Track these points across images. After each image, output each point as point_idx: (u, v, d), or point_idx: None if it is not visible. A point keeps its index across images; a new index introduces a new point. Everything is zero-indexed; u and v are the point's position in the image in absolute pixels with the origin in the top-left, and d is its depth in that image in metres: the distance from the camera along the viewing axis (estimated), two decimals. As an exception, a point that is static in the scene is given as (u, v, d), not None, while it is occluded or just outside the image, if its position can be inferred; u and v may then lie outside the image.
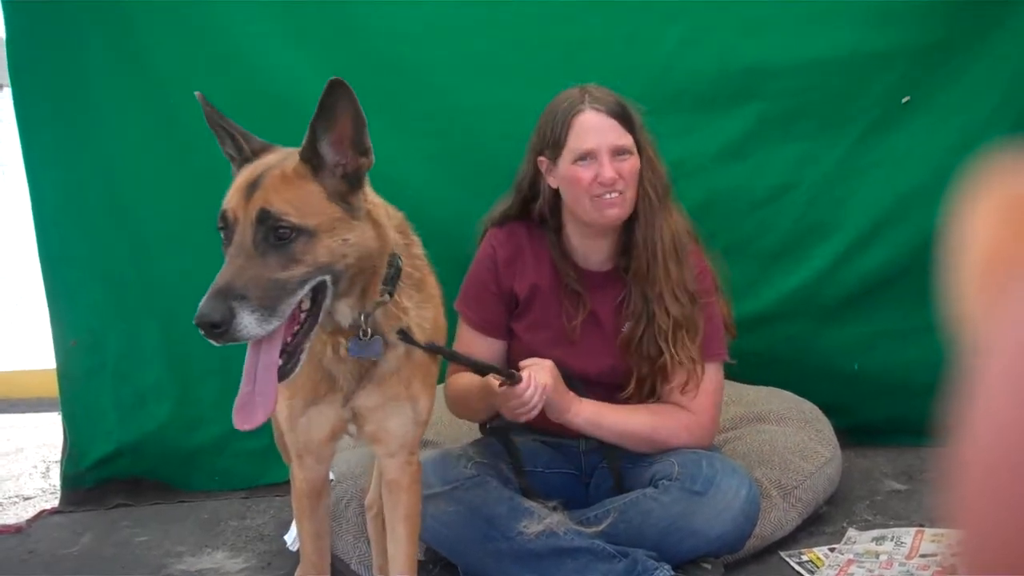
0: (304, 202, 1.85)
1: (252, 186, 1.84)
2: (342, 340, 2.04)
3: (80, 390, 3.80)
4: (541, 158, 2.71)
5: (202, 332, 1.71)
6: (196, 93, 1.91)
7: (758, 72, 3.53)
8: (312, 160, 1.90)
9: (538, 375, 2.52)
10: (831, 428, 3.35)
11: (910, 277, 3.58)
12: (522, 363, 2.61)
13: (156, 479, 3.85)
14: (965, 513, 0.42)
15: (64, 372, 3.79)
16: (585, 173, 2.60)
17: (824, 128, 3.56)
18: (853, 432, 3.65)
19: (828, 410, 3.44)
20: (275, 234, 1.81)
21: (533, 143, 2.73)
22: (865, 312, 3.65)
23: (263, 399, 1.83)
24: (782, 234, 3.65)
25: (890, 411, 3.72)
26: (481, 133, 3.60)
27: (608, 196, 2.61)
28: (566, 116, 2.64)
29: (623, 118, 2.65)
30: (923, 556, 2.83)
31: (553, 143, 2.66)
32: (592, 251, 2.79)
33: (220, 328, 1.70)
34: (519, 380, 2.48)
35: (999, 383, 0.41)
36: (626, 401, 2.76)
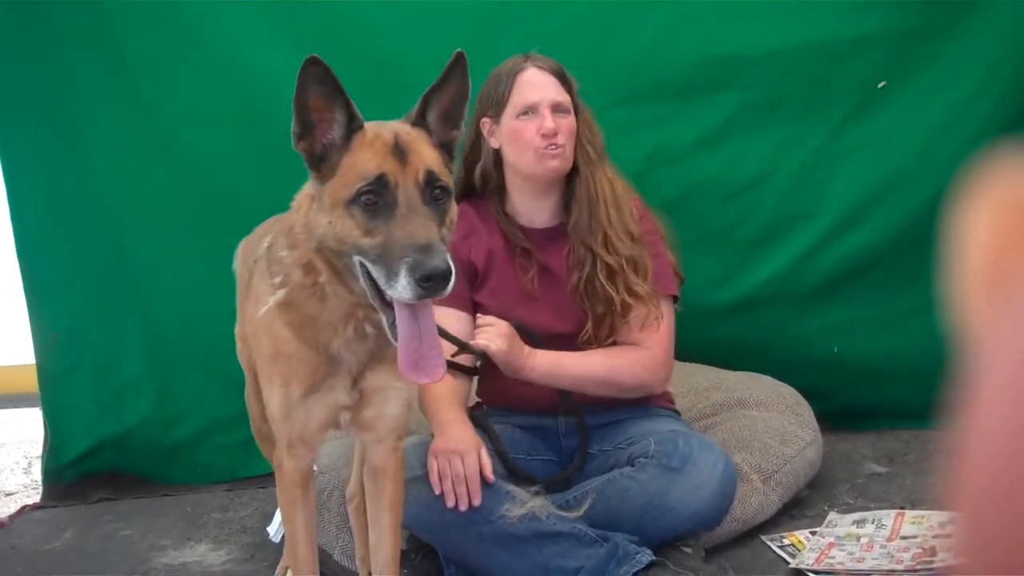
0: (442, 166, 1.94)
1: (399, 151, 1.88)
2: (361, 315, 2.01)
3: (60, 385, 3.79)
4: (484, 119, 2.82)
5: (427, 286, 1.76)
6: (312, 56, 1.86)
7: (736, 60, 3.54)
8: (425, 128, 1.98)
9: (492, 341, 2.62)
10: (811, 412, 3.36)
11: (888, 262, 3.62)
12: (478, 321, 2.70)
13: (138, 473, 3.85)
14: (966, 517, 0.42)
15: (44, 367, 3.78)
16: (528, 126, 2.74)
17: (802, 115, 3.58)
18: (834, 416, 3.66)
19: (809, 395, 3.45)
20: (433, 195, 1.88)
21: (476, 108, 2.82)
22: (844, 297, 3.67)
23: (437, 353, 1.89)
24: (762, 221, 3.66)
25: (870, 395, 3.75)
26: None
27: (550, 148, 2.72)
28: (511, 74, 2.79)
29: (562, 78, 2.80)
30: (904, 538, 2.85)
31: (496, 102, 2.79)
32: (536, 210, 2.87)
33: (449, 279, 1.78)
34: (469, 348, 2.64)
35: (1001, 386, 0.41)
36: (586, 345, 2.80)
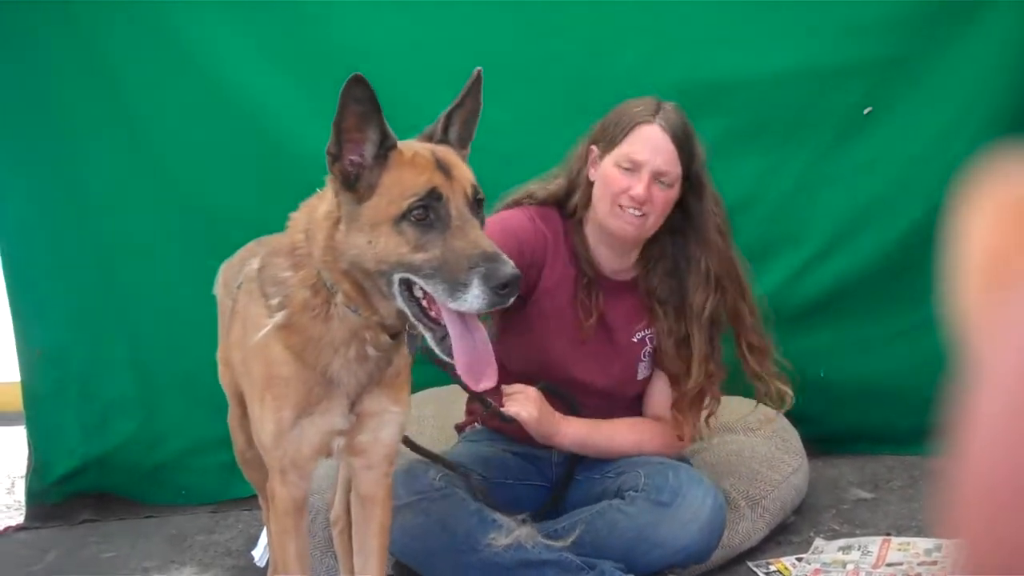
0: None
1: (442, 166, 1.92)
2: (367, 336, 2.02)
3: (45, 405, 3.76)
4: (593, 146, 2.72)
5: (504, 293, 1.83)
6: (356, 75, 1.86)
7: (721, 86, 3.55)
8: (449, 145, 2.04)
9: (523, 408, 2.61)
10: (798, 437, 3.38)
11: (874, 285, 3.64)
12: (505, 389, 2.65)
13: (123, 494, 3.82)
14: (965, 517, 0.42)
15: (29, 386, 3.75)
16: (621, 179, 2.62)
17: (787, 140, 3.60)
18: (820, 441, 3.67)
19: (795, 419, 3.46)
20: (477, 207, 1.95)
21: (593, 130, 2.76)
22: (830, 321, 3.69)
23: (492, 360, 1.96)
24: (747, 245, 3.63)
25: (856, 419, 3.76)
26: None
27: (631, 211, 2.62)
28: (633, 120, 2.66)
29: (683, 149, 2.65)
30: (889, 565, 2.85)
31: (610, 139, 2.68)
32: (603, 256, 2.80)
33: (519, 285, 1.87)
34: (497, 410, 2.61)
35: (1000, 387, 0.41)
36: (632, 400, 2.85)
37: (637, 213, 2.62)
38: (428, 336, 1.93)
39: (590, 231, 2.78)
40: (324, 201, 2.00)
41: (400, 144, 1.94)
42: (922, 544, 2.95)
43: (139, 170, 3.65)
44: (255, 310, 2.10)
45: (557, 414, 2.73)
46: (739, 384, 3.59)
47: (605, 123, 2.72)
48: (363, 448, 2.17)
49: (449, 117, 2.03)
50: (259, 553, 3.06)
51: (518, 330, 2.77)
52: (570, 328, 2.77)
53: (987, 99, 3.49)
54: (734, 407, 3.47)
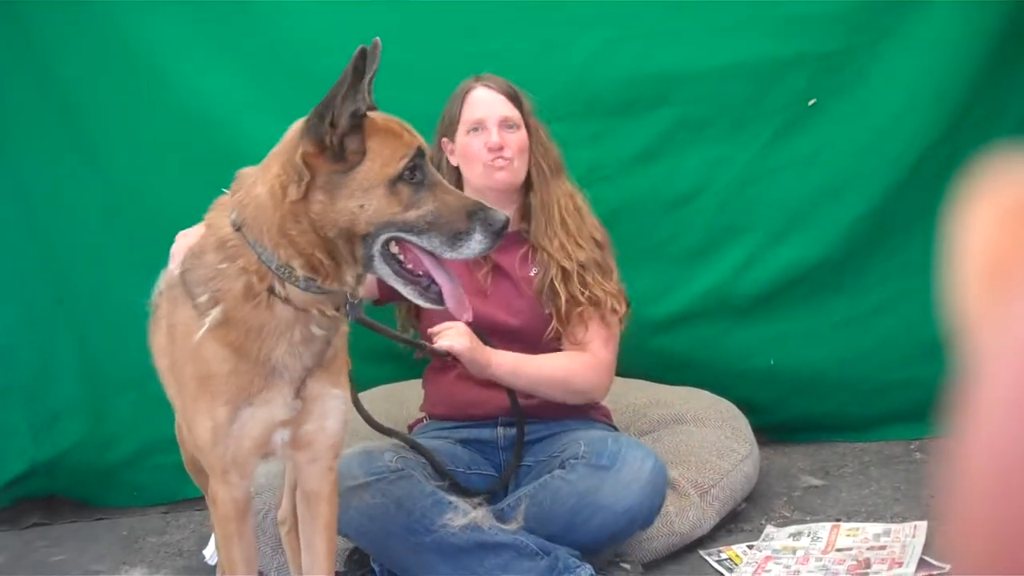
0: None
1: (406, 129, 2.02)
2: (314, 313, 2.02)
3: (-8, 408, 3.71)
4: (444, 139, 2.96)
5: (502, 233, 2.00)
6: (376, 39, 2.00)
7: (670, 78, 3.58)
8: None
9: (455, 340, 2.66)
10: (748, 426, 3.40)
11: (820, 275, 3.68)
12: (432, 330, 2.73)
13: (73, 497, 3.78)
14: (964, 517, 0.42)
15: (-25, 390, 3.71)
16: (476, 141, 2.87)
17: (734, 132, 3.63)
18: (771, 429, 3.71)
19: (746, 408, 3.49)
20: None
21: (437, 130, 2.97)
22: (778, 310, 3.72)
23: (465, 295, 2.11)
24: (695, 236, 3.71)
25: (806, 407, 3.80)
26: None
27: (497, 162, 2.84)
28: (461, 93, 2.95)
29: (512, 96, 2.94)
30: (839, 551, 2.88)
31: (450, 121, 2.94)
32: None
33: None
34: (427, 348, 2.70)
35: (1000, 389, 0.41)
36: (553, 342, 2.91)
37: (502, 161, 2.85)
38: (410, 290, 2.03)
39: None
40: (261, 183, 1.99)
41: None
42: (871, 529, 2.98)
43: (86, 171, 3.61)
44: (183, 314, 2.06)
45: (487, 347, 2.76)
46: (690, 376, 3.64)
47: (442, 116, 2.98)
48: (309, 439, 2.14)
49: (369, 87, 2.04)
50: (210, 553, 3.04)
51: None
52: (469, 285, 2.83)
53: (931, 89, 3.53)
54: (684, 397, 3.50)
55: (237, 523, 2.14)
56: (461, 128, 2.90)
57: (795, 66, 3.56)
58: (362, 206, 1.93)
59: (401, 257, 2.01)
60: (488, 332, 2.82)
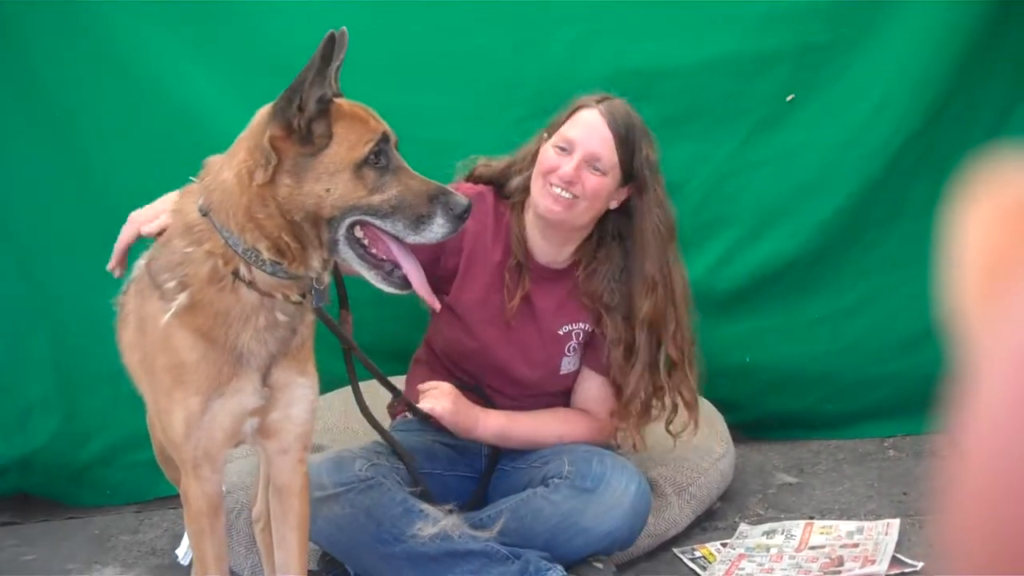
0: None
1: (371, 115, 2.05)
2: (278, 298, 2.03)
3: (-38, 406, 3.67)
4: (544, 133, 2.76)
5: (464, 217, 2.03)
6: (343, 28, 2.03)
7: (648, 74, 3.56)
8: None
9: (437, 402, 2.64)
10: (724, 424, 3.41)
11: (797, 271, 3.69)
12: (420, 387, 2.69)
13: (45, 495, 3.74)
14: (963, 518, 0.42)
15: (-54, 388, 3.67)
16: (554, 158, 2.65)
17: (713, 128, 3.62)
18: (746, 427, 3.72)
19: (722, 406, 3.50)
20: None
21: (549, 123, 2.78)
22: (755, 307, 3.72)
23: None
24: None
25: (782, 405, 3.80)
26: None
27: (558, 191, 2.63)
28: (576, 105, 2.73)
29: (622, 139, 2.67)
30: (812, 548, 2.89)
31: (555, 124, 2.73)
32: (537, 244, 2.82)
33: None
34: (409, 404, 2.67)
35: (998, 389, 0.41)
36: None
37: (566, 194, 2.62)
38: (374, 275, 2.06)
39: (529, 217, 2.81)
40: (228, 169, 1.99)
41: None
42: (844, 527, 2.99)
43: (62, 168, 3.57)
44: (151, 305, 2.08)
45: (476, 407, 2.73)
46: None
47: (558, 112, 2.77)
48: (276, 428, 2.15)
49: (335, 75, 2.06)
50: (183, 551, 3.02)
51: (445, 314, 2.78)
52: (495, 308, 2.79)
53: (909, 85, 3.55)
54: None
55: (209, 518, 2.15)
56: (555, 138, 2.68)
57: (774, 62, 3.56)
58: (328, 190, 1.95)
59: (365, 241, 2.04)
60: (493, 372, 2.79)
